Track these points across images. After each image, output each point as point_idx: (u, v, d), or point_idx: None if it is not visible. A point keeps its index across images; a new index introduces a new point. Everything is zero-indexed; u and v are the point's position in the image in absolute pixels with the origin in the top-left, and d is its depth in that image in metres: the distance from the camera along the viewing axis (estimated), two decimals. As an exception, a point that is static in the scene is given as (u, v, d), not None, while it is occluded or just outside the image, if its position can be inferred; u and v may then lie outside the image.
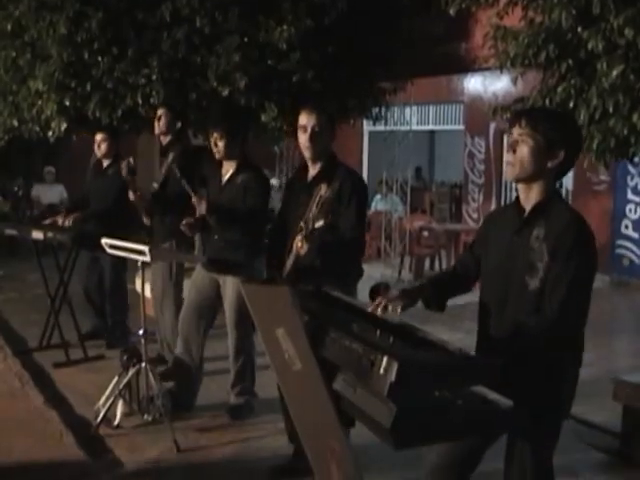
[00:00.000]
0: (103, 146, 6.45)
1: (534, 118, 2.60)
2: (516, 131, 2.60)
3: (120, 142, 6.65)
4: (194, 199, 4.62)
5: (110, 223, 6.06)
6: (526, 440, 2.64)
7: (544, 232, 2.53)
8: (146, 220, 5.58)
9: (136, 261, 4.55)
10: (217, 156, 4.66)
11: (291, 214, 3.93)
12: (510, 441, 2.68)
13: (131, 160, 5.31)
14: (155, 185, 5.45)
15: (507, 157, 2.64)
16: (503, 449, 2.71)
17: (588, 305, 2.57)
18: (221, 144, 4.60)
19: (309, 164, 3.91)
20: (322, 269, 3.67)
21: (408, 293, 2.76)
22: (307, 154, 3.85)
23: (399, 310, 2.65)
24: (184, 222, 4.64)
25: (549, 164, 2.57)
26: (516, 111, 2.67)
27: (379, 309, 2.65)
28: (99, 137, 6.47)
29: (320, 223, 3.49)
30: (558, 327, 2.50)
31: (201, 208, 4.59)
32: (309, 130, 3.78)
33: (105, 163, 6.57)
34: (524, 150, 2.57)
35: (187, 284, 5.03)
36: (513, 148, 2.60)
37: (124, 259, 4.98)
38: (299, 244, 3.53)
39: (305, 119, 3.81)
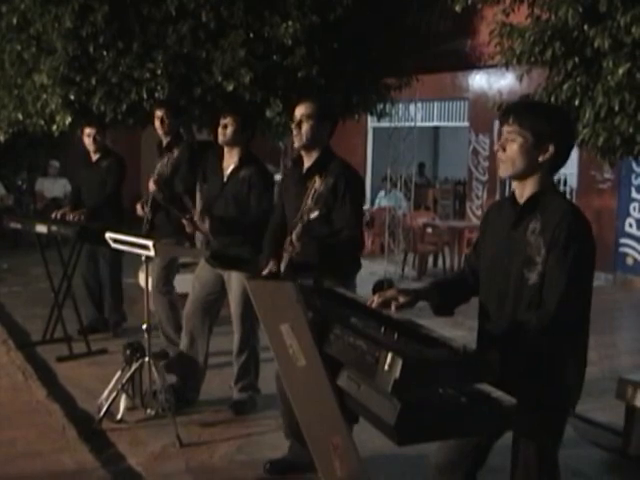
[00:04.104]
0: (97, 139, 6.39)
1: (521, 114, 2.59)
2: (505, 129, 2.60)
3: (106, 134, 6.63)
4: (196, 218, 4.55)
5: (103, 217, 6.06)
6: (530, 437, 2.64)
7: (540, 225, 2.53)
8: (141, 212, 5.58)
9: (138, 256, 4.56)
10: (221, 139, 4.60)
11: (287, 207, 3.96)
12: (514, 438, 2.68)
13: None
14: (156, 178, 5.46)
15: (498, 155, 2.64)
16: (510, 445, 2.71)
17: (589, 297, 2.57)
18: (231, 128, 4.56)
19: (304, 155, 3.89)
20: (319, 265, 3.66)
21: (407, 293, 2.73)
22: (295, 142, 3.84)
23: (392, 308, 2.65)
24: (188, 216, 4.63)
25: (540, 159, 2.57)
26: (505, 108, 2.66)
27: (375, 304, 2.66)
28: (92, 131, 6.38)
29: (315, 214, 3.51)
30: (559, 321, 2.48)
31: (204, 226, 4.54)
32: (297, 118, 3.79)
33: (95, 157, 6.51)
34: (513, 148, 2.57)
35: (190, 279, 5.03)
36: (503, 146, 2.61)
37: (120, 252, 4.98)
38: (291, 243, 3.54)
39: (296, 110, 3.83)
